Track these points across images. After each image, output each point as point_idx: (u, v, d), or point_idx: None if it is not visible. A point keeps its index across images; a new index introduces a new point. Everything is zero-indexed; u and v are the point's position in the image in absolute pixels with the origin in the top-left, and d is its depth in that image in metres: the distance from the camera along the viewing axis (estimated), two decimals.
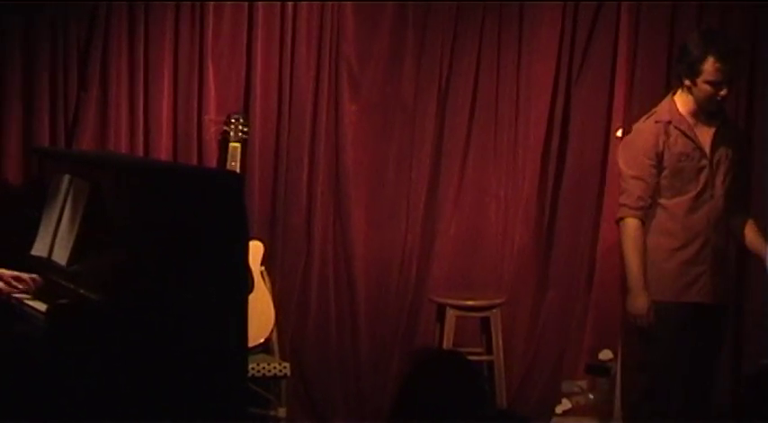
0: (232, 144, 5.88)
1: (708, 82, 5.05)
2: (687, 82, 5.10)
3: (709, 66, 5.02)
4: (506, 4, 6.16)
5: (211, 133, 5.99)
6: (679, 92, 5.16)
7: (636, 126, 5.28)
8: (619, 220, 5.19)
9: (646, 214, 5.13)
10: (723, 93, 5.07)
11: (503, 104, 6.20)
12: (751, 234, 5.24)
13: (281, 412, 5.93)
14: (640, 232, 5.12)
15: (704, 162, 5.13)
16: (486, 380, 5.79)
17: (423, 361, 3.39)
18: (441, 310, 5.98)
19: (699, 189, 5.13)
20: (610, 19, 6.14)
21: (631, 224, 5.13)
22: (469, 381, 3.27)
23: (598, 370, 6.34)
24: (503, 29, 6.17)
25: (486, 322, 5.99)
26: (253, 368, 5.61)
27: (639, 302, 5.10)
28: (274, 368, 5.78)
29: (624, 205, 5.16)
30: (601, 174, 6.21)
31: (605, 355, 6.33)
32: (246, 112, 6.00)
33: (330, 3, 6.07)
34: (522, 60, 6.19)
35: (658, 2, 6.07)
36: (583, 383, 6.37)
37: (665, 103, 5.22)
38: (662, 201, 5.16)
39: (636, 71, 6.11)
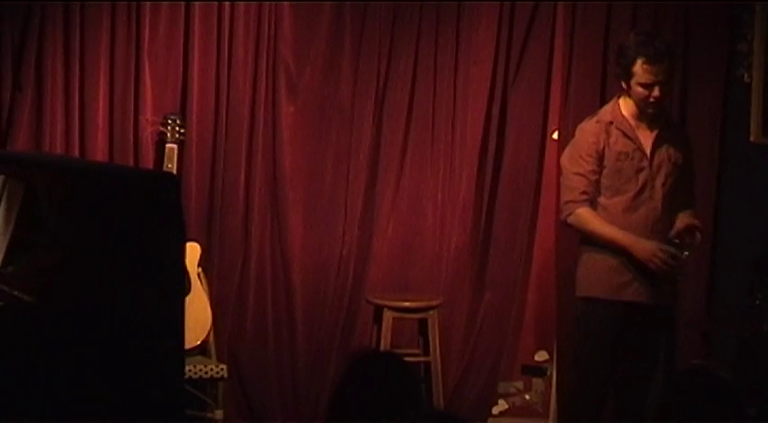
0: (168, 145, 5.86)
1: (640, 84, 5.11)
2: (624, 84, 5.16)
3: (639, 67, 5.09)
4: (443, 5, 6.17)
5: (148, 134, 5.96)
6: (624, 95, 5.22)
7: (580, 126, 5.33)
8: (567, 217, 5.22)
9: (591, 206, 5.17)
10: (655, 94, 5.12)
11: (440, 106, 6.21)
12: (683, 214, 5.27)
13: (218, 414, 5.91)
14: (594, 213, 5.16)
15: (644, 163, 5.18)
16: (422, 381, 5.81)
17: (359, 362, 3.39)
18: (378, 312, 5.98)
19: (637, 189, 5.17)
20: (546, 20, 6.17)
21: (583, 212, 5.17)
22: (405, 382, 3.28)
23: (534, 371, 6.38)
24: (440, 31, 6.18)
25: (423, 323, 6.00)
26: (190, 370, 5.59)
27: (644, 246, 5.09)
28: (211, 370, 5.76)
29: (569, 202, 5.19)
30: (537, 175, 6.24)
31: (541, 356, 6.38)
32: (183, 112, 5.97)
33: (268, 3, 6.05)
34: (459, 62, 6.20)
35: (593, 2, 6.11)
36: (519, 384, 6.42)
37: (609, 105, 5.30)
38: (601, 199, 5.19)
39: (572, 73, 6.14)
